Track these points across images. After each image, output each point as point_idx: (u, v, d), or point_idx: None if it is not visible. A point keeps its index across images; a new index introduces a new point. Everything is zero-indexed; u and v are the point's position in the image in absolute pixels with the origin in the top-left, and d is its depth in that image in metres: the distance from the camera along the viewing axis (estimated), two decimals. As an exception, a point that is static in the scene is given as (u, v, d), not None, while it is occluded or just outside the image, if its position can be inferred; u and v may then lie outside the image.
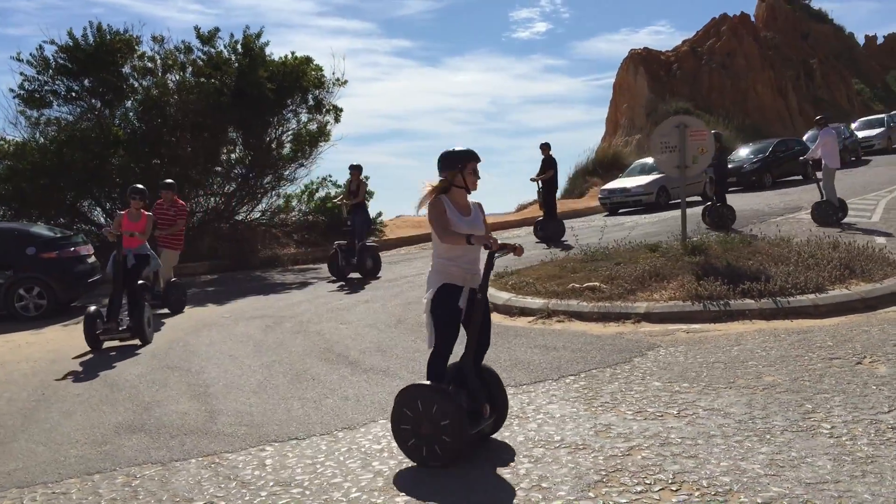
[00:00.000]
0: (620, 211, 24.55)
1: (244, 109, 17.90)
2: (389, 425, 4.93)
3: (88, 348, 9.25)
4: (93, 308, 9.59)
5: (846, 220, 14.61)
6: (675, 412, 5.29)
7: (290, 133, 20.34)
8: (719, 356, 6.66)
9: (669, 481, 4.17)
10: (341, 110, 19.55)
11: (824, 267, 8.76)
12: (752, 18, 49.61)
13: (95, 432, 5.99)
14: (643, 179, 24.23)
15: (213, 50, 18.76)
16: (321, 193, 21.43)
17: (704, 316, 7.99)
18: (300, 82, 18.72)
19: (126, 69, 18.43)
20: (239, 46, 18.83)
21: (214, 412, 6.26)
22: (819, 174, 15.43)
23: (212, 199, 21.20)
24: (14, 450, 5.73)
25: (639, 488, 4.12)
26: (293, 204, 21.67)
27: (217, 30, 18.58)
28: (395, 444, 5.00)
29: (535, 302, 9.10)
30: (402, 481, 4.51)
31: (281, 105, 18.96)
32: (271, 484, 4.63)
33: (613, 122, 42.08)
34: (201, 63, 18.61)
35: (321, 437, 5.44)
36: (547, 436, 5.05)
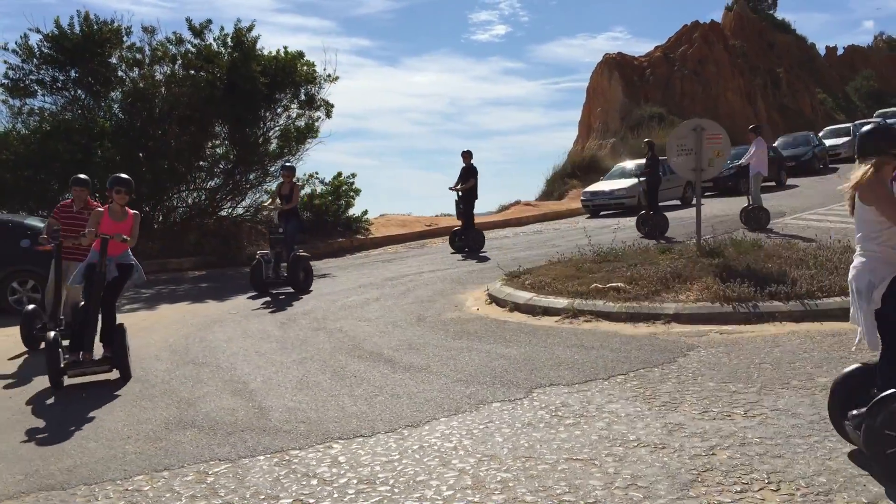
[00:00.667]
0: (601, 213, 24.74)
1: (237, 103, 17.68)
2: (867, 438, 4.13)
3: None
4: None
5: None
6: (742, 412, 5.33)
7: (277, 129, 20.13)
8: (763, 357, 6.72)
9: (766, 481, 4.19)
10: (332, 106, 19.44)
11: (846, 271, 8.88)
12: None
13: (144, 428, 5.85)
14: (625, 183, 24.43)
15: (203, 43, 18.47)
16: (307, 190, 21.23)
17: (734, 318, 8.07)
18: (292, 77, 18.54)
19: (113, 60, 18.05)
20: (229, 40, 18.59)
21: (264, 409, 6.15)
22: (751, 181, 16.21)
23: (195, 193, 20.92)
24: (65, 446, 5.56)
25: (737, 488, 4.13)
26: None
27: (209, 22, 18.38)
28: (467, 441, 5.00)
29: (560, 302, 9.12)
30: (491, 480, 4.47)
31: (273, 100, 18.76)
32: (355, 482, 4.56)
33: (587, 125, 42.46)
34: (191, 55, 18.30)
35: (387, 434, 5.37)
36: (620, 434, 5.05)
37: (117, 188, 7.70)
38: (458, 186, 16.01)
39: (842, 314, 7.95)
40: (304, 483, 4.58)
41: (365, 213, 21.60)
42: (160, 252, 18.30)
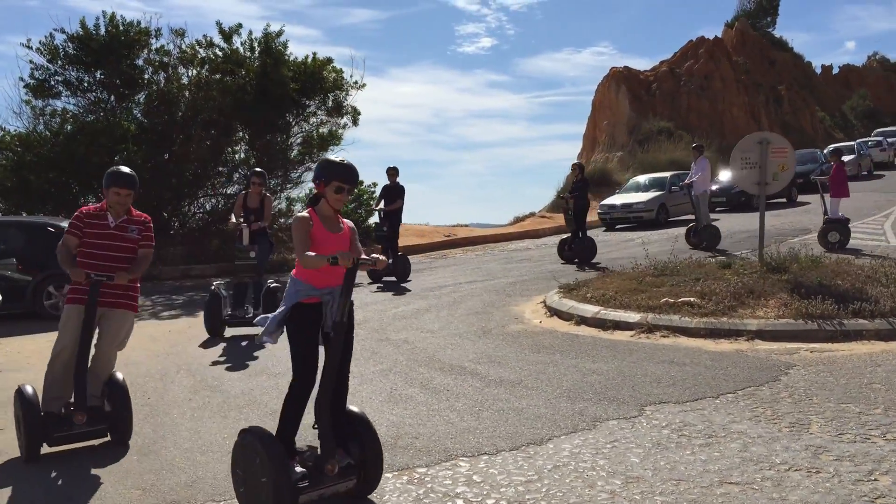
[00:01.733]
0: (618, 227, 24.62)
1: (268, 108, 17.43)
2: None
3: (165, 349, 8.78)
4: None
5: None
6: (879, 434, 5.14)
7: (300, 135, 19.91)
8: (870, 377, 6.55)
9: (949, 508, 4.00)
10: (359, 113, 19.21)
11: (922, 289, 8.77)
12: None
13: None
14: (644, 196, 24.34)
15: (230, 47, 18.25)
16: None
17: (819, 335, 7.90)
18: (321, 83, 18.33)
19: (140, 62, 17.80)
20: (256, 44, 18.37)
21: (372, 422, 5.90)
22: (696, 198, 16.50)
23: (213, 199, 20.66)
24: (172, 459, 5.31)
25: (922, 515, 3.95)
26: (295, 207, 21.22)
27: (240, 25, 18.22)
28: (602, 461, 4.80)
29: (631, 316, 8.93)
30: (647, 502, 4.26)
31: (302, 105, 18.54)
32: (503, 502, 4.34)
33: (591, 138, 42.44)
34: (219, 59, 18.07)
35: (512, 452, 5.15)
36: (762, 457, 4.85)
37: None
38: (387, 207, 14.25)
39: (929, 333, 7.83)
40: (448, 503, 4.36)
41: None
42: (183, 258, 18.02)
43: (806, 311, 8.22)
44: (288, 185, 20.39)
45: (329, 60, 18.62)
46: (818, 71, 71.15)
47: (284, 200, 21.02)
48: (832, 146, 16.97)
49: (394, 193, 14.34)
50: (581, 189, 15.39)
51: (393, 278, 14.57)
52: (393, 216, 14.40)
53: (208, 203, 20.59)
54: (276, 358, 8.38)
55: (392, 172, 14.32)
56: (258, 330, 4.76)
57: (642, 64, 42.48)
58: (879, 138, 43.72)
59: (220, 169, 20.20)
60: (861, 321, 8.02)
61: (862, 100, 68.28)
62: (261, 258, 10.09)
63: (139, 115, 18.43)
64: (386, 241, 14.49)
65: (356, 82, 19.03)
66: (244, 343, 9.51)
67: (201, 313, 12.07)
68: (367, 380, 7.26)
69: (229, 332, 10.10)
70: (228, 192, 20.55)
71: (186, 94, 18.27)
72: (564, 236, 16.49)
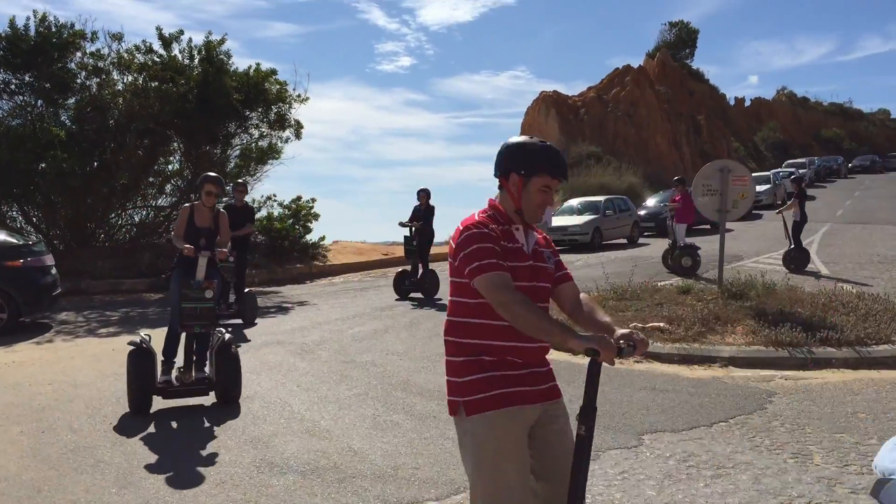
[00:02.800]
0: (553, 249, 24.77)
1: (209, 118, 16.85)
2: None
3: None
4: None
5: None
6: (883, 465, 5.15)
7: (237, 147, 19.35)
8: (853, 407, 6.61)
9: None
10: (302, 126, 18.78)
11: (880, 318, 9.00)
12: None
13: (232, 472, 5.23)
14: (579, 219, 24.62)
15: (169, 54, 17.61)
16: (262, 213, 20.42)
17: (791, 363, 8.00)
18: (264, 95, 17.85)
19: (72, 65, 16.98)
20: (195, 52, 17.79)
21: (358, 452, 5.62)
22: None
23: (143, 211, 19.86)
24: (153, 492, 4.91)
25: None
26: (229, 222, 20.56)
27: (181, 32, 17.52)
28: (618, 494, 4.66)
29: (602, 340, 8.85)
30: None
31: (244, 117, 18.00)
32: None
33: (520, 160, 42.79)
34: (158, 66, 17.40)
35: (521, 485, 4.94)
36: (778, 489, 4.78)
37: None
38: (239, 232, 11.88)
39: (893, 363, 8.03)
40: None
41: (323, 238, 21.00)
42: (112, 272, 17.22)
43: (776, 339, 8.32)
44: (223, 200, 19.71)
45: (273, 72, 18.17)
46: (731, 103, 73.94)
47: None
48: (677, 177, 17.63)
49: (244, 216, 12.68)
50: (427, 217, 14.34)
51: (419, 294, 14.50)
52: (242, 242, 12.38)
53: (137, 215, 19.77)
54: (243, 381, 7.96)
55: (239, 191, 12.94)
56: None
57: (558, 88, 43.12)
58: (792, 169, 45.60)
59: (152, 180, 19.44)
60: (829, 349, 8.16)
61: (772, 132, 71.32)
62: (218, 297, 7.67)
63: (68, 121, 17.58)
64: (237, 273, 12.15)
65: (299, 95, 18.63)
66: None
67: (143, 330, 11.50)
68: (346, 405, 6.95)
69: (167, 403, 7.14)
70: (159, 203, 19.82)
71: (120, 100, 17.51)
72: (401, 269, 15.32)
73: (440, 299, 13.93)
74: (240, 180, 12.42)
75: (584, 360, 2.95)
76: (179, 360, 7.11)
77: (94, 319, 12.84)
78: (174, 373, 7.08)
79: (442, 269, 16.81)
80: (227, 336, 7.03)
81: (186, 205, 7.16)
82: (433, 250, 15.17)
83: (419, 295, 14.41)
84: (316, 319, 12.15)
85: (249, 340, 10.37)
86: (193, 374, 6.93)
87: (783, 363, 8.01)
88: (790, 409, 6.59)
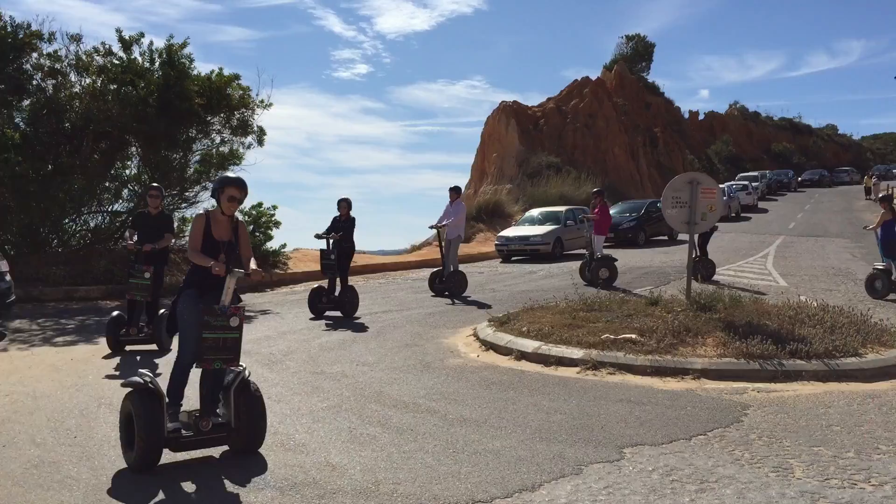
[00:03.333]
0: (513, 259, 24.83)
1: (170, 123, 16.52)
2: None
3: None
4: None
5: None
6: (863, 479, 5.19)
7: (198, 153, 19.01)
8: (827, 420, 6.67)
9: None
10: (265, 133, 18.54)
11: (846, 330, 9.14)
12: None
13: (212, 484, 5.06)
14: (541, 229, 24.71)
15: (129, 57, 17.24)
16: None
17: (762, 375, 8.05)
18: (226, 100, 17.57)
19: (28, 66, 16.52)
20: (156, 56, 17.45)
21: (336, 466, 5.49)
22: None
23: (98, 217, 19.38)
24: (130, 512, 4.73)
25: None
26: (188, 227, 20.17)
27: (142, 34, 17.16)
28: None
29: (574, 352, 8.85)
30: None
31: (206, 122, 17.70)
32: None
33: (480, 170, 42.95)
34: (118, 69, 17.02)
35: (505, 500, 4.87)
36: None
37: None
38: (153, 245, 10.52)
39: (861, 375, 8.14)
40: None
41: (283, 246, 20.72)
42: (65, 278, 16.75)
43: (747, 351, 8.38)
44: (183, 205, 19.41)
45: (235, 77, 17.88)
46: (686, 116, 75.17)
47: (175, 221, 19.96)
48: (595, 189, 18.08)
49: (163, 224, 10.72)
50: (348, 230, 13.17)
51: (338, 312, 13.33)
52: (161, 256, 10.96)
53: (93, 220, 19.30)
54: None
55: (154, 196, 10.66)
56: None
57: (513, 98, 43.37)
58: (745, 182, 46.47)
59: (108, 184, 18.99)
60: (799, 362, 8.24)
61: (725, 145, 72.66)
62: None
63: (23, 123, 17.10)
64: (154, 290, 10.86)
65: (262, 101, 18.39)
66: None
67: (100, 339, 11.20)
68: (320, 418, 6.81)
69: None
70: (116, 209, 19.37)
71: (77, 103, 17.08)
72: (317, 284, 14.50)
73: (359, 318, 12.90)
74: (154, 184, 11.14)
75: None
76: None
77: (49, 328, 12.46)
78: (182, 417, 5.79)
79: (362, 284, 16.64)
80: (247, 371, 5.93)
81: (200, 212, 6.11)
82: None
83: (337, 313, 13.19)
84: (280, 329, 11.95)
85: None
86: (210, 420, 5.71)
87: (754, 375, 8.07)
88: (766, 421, 6.62)
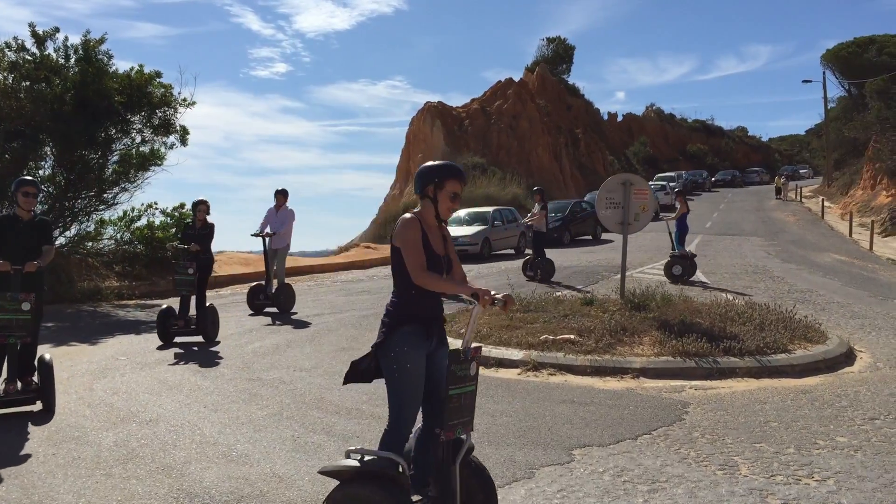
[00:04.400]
0: (442, 259, 24.77)
1: (88, 121, 15.86)
2: None
3: None
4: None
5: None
6: (806, 474, 5.31)
7: (117, 153, 18.31)
8: (764, 416, 6.82)
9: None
10: (188, 132, 17.98)
11: (775, 328, 9.39)
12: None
13: (153, 507, 4.84)
14: (469, 230, 24.72)
15: (42, 53, 16.50)
16: (143, 221, 19.41)
17: (697, 373, 8.20)
18: (148, 98, 16.98)
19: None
20: (71, 52, 16.76)
21: (284, 478, 5.32)
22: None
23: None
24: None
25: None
26: (105, 230, 19.41)
27: (56, 29, 16.43)
28: None
29: (514, 353, 8.85)
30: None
31: (126, 121, 17.06)
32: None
33: (405, 170, 42.83)
34: (30, 65, 16.27)
35: None
36: (716, 502, 4.84)
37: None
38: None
39: (791, 371, 8.38)
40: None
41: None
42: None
43: (682, 350, 8.52)
44: (101, 207, 18.68)
45: (157, 74, 17.27)
46: (605, 117, 76.63)
47: (92, 224, 19.22)
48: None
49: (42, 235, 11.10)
50: (204, 240, 11.02)
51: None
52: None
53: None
54: (141, 402, 7.47)
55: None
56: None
57: (434, 99, 43.46)
58: (663, 183, 47.60)
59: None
60: (732, 359, 8.42)
61: (643, 146, 74.33)
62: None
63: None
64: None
65: (185, 99, 17.83)
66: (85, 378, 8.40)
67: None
68: (261, 426, 6.60)
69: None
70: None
71: (-8, 99, 16.26)
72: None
73: (294, 320, 12.80)
74: (28, 177, 9.70)
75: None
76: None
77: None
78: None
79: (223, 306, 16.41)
80: None
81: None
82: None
83: (307, 309, 13.67)
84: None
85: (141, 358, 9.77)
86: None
87: (691, 373, 8.21)
88: (706, 419, 6.73)
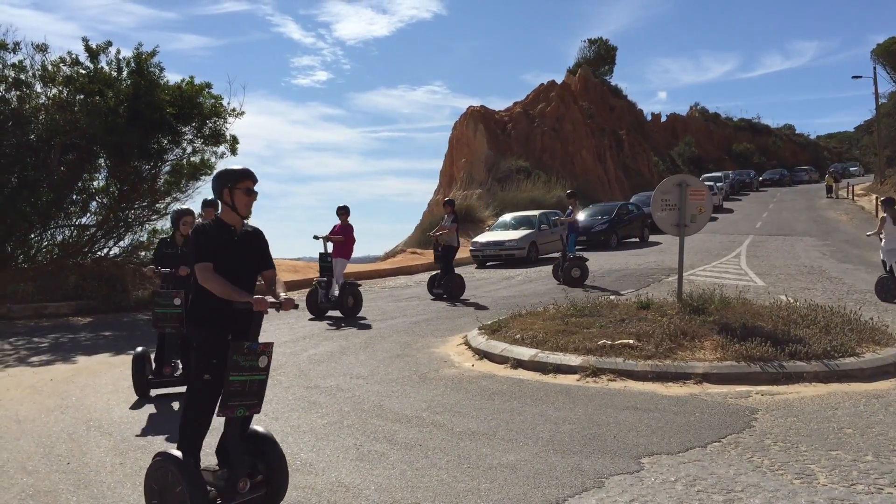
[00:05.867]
0: (488, 264, 24.71)
1: (141, 133, 16.12)
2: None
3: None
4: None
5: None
6: (890, 483, 5.11)
7: (168, 164, 18.60)
8: (837, 422, 6.60)
9: None
10: (238, 142, 18.20)
11: (840, 330, 9.13)
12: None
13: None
14: (515, 234, 24.63)
15: (96, 66, 16.82)
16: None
17: (763, 378, 7.99)
18: (199, 109, 17.22)
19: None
20: (124, 65, 17.06)
21: (350, 487, 5.28)
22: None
23: (65, 230, 18.88)
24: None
25: None
26: (158, 240, 19.69)
27: (109, 43, 16.75)
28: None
29: (572, 359, 8.72)
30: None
31: (177, 132, 17.31)
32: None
33: (448, 175, 42.84)
34: (84, 79, 16.58)
35: (533, 518, 4.71)
36: (795, 512, 4.68)
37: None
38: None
39: (861, 375, 8.11)
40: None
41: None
42: (34, 295, 16.27)
43: (747, 354, 8.31)
44: (153, 217, 18.99)
45: (207, 85, 17.53)
46: (648, 118, 75.87)
47: (145, 233, 19.55)
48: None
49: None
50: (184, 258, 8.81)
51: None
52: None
53: (60, 234, 18.80)
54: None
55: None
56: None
57: (473, 103, 43.34)
58: (710, 183, 46.93)
59: (75, 197, 18.52)
60: (799, 363, 8.19)
61: (687, 146, 73.46)
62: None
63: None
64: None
65: (234, 109, 18.04)
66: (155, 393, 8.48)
67: (79, 357, 10.89)
68: (323, 435, 6.58)
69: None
70: (84, 222, 18.89)
71: (43, 114, 16.62)
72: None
73: (343, 328, 13.26)
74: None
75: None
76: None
77: (22, 347, 12.06)
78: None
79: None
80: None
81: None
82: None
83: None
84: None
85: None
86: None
87: (756, 378, 8.00)
88: (777, 426, 6.53)
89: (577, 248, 27.30)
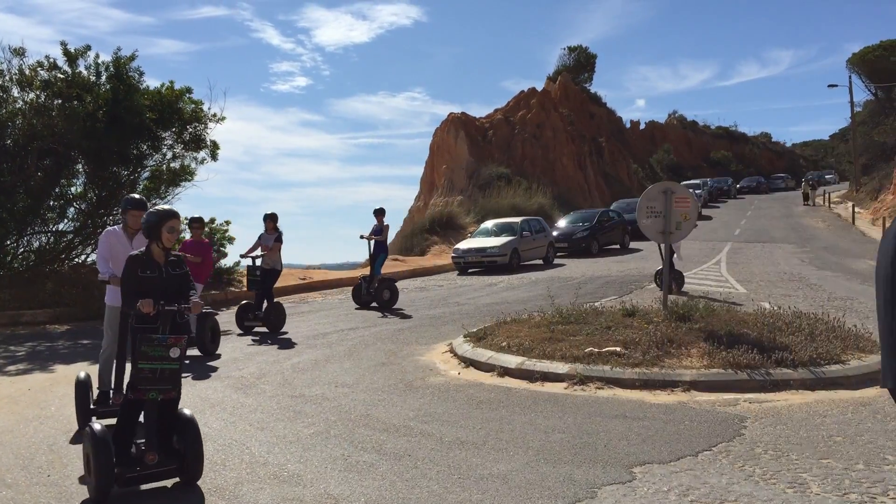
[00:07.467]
0: (470, 271, 24.65)
1: (119, 138, 15.92)
2: None
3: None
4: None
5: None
6: (881, 492, 5.10)
7: (147, 170, 18.38)
8: (827, 430, 6.59)
9: None
10: (218, 147, 18.02)
11: (825, 337, 9.15)
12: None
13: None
14: (497, 241, 24.58)
15: (74, 71, 16.60)
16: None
17: (750, 385, 7.98)
18: (179, 114, 17.04)
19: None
20: (105, 69, 16.86)
21: (339, 498, 5.18)
22: None
23: (42, 237, 18.60)
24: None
25: None
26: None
27: (88, 47, 16.53)
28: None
29: (559, 367, 8.67)
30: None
31: (157, 137, 17.11)
32: None
33: (429, 181, 42.79)
34: (62, 83, 16.36)
35: (526, 530, 4.64)
36: (790, 522, 4.65)
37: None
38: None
39: (847, 383, 8.13)
40: None
41: (238, 263, 20.17)
42: (11, 302, 16.00)
43: (734, 361, 8.30)
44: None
45: (187, 90, 17.36)
46: (627, 125, 76.22)
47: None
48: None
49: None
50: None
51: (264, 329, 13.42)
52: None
53: (37, 241, 18.51)
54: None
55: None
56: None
57: (453, 110, 43.36)
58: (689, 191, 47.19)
59: (52, 203, 18.25)
60: (785, 370, 8.19)
61: (666, 154, 73.85)
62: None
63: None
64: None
65: (214, 115, 17.87)
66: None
67: (57, 366, 10.71)
68: (310, 445, 6.48)
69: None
70: (61, 228, 18.62)
71: (20, 119, 16.38)
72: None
73: (328, 336, 13.08)
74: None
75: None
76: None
77: (16, 357, 11.82)
78: None
79: (320, 301, 16.41)
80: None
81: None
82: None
83: (341, 323, 13.77)
84: (246, 350, 11.54)
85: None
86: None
87: (743, 385, 7.99)
88: (767, 434, 6.51)
89: (558, 254, 27.49)
